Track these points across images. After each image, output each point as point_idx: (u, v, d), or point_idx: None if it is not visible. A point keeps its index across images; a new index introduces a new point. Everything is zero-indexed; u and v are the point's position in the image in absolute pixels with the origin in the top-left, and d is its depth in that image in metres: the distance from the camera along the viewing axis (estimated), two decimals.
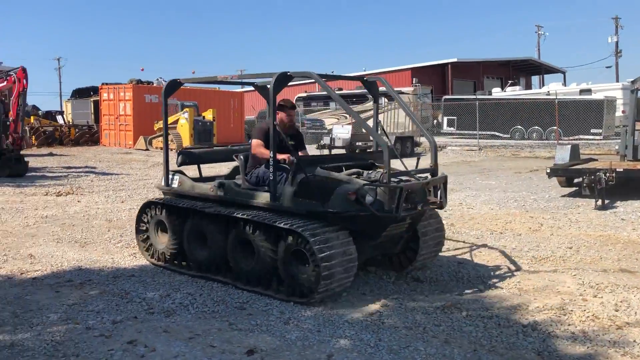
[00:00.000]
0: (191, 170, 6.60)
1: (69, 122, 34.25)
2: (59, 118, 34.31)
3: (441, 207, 5.32)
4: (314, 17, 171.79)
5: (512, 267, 6.03)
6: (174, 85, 6.40)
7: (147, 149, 24.83)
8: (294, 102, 36.06)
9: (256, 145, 5.60)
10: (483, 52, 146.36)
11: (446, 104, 30.19)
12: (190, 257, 5.95)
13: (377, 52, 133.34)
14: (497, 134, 27.58)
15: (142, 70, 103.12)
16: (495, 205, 9.76)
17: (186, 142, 22.95)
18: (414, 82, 34.86)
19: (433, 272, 5.84)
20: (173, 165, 6.42)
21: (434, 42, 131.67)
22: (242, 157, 5.78)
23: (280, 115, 5.74)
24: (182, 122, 23.95)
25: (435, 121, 33.95)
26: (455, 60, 41.53)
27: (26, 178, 14.27)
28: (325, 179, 5.01)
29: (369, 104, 33.68)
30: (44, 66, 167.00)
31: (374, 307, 4.82)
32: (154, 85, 28.87)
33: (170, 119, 24.71)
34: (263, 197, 5.33)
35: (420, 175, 5.35)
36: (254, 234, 5.17)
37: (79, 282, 5.53)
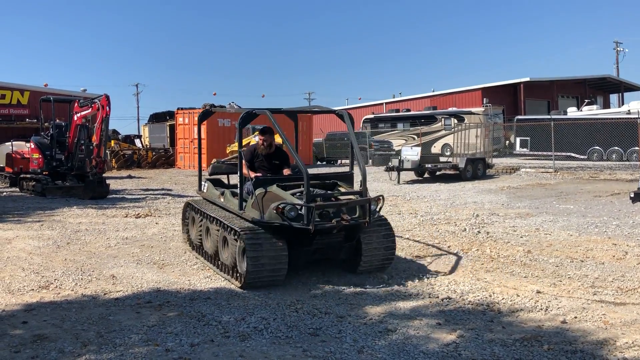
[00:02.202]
0: None
1: (146, 145, 35.90)
2: (137, 142, 36.04)
3: (365, 224, 6.10)
4: (382, 38, 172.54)
5: (596, 298, 5.73)
6: (206, 113, 8.32)
7: None
8: (362, 123, 35.82)
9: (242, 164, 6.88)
10: (557, 70, 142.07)
11: (519, 124, 29.39)
12: (204, 248, 7.36)
13: (447, 73, 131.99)
14: (573, 155, 26.53)
15: (215, 94, 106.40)
16: (575, 231, 9.34)
17: None
18: (484, 102, 34.22)
19: (510, 301, 5.65)
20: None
21: (505, 61, 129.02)
22: None
23: (257, 139, 7.30)
24: None
25: (507, 142, 33.10)
26: (527, 79, 40.43)
27: (107, 200, 15.02)
28: (269, 195, 6.13)
29: (437, 125, 33.41)
30: (123, 92, 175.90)
31: (450, 337, 4.71)
32: (226, 109, 29.80)
33: (243, 142, 25.39)
34: (235, 205, 6.69)
35: (348, 196, 6.26)
36: (227, 233, 6.47)
37: (157, 304, 5.72)
